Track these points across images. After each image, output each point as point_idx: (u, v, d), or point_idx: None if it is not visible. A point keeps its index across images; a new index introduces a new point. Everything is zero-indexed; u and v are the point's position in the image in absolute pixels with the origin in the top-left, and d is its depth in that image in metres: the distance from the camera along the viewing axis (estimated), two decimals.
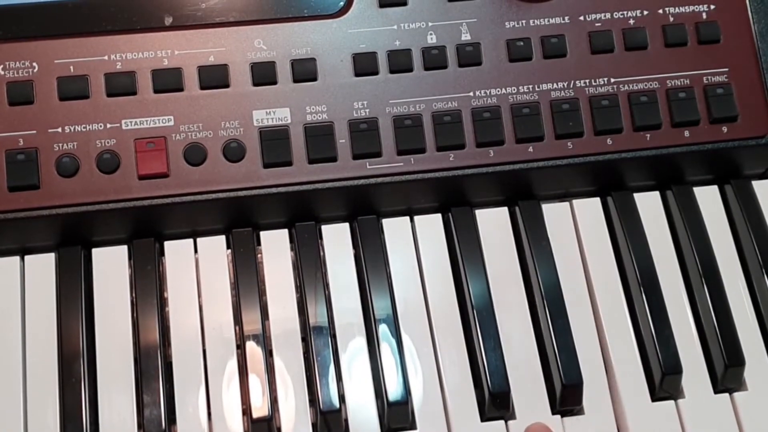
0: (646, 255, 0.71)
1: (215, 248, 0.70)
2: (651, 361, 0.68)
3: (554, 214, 0.73)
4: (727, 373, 0.67)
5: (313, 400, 0.66)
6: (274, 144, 0.69)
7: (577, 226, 0.73)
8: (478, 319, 0.68)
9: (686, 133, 0.71)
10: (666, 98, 0.71)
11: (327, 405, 0.65)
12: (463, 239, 0.71)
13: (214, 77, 0.69)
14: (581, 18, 0.72)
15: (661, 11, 0.73)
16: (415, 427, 0.66)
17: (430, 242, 0.72)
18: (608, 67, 0.72)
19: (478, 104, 0.71)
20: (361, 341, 0.68)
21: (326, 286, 0.69)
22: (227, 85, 0.69)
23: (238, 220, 0.70)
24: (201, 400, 0.66)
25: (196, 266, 0.70)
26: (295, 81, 0.70)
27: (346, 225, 0.72)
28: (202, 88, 0.69)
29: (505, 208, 0.73)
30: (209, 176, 0.68)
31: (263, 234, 0.71)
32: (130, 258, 0.70)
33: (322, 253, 0.71)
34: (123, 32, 0.69)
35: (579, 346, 0.68)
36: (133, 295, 0.68)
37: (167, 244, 0.70)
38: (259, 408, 0.65)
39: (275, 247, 0.71)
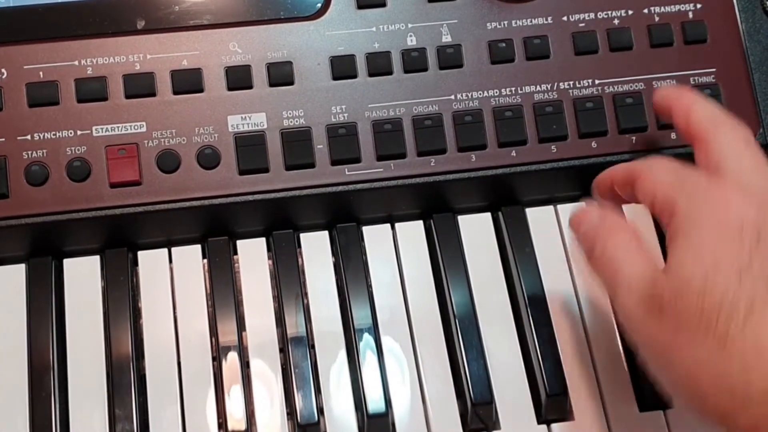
0: None
1: (190, 258, 0.69)
2: (639, 369, 0.66)
3: (538, 219, 0.71)
4: None
5: (291, 412, 0.64)
6: (250, 150, 0.67)
7: (561, 231, 0.71)
8: (460, 327, 0.67)
9: (673, 136, 0.70)
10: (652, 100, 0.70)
11: (305, 418, 0.63)
12: (445, 246, 0.70)
13: (188, 82, 0.67)
14: (564, 18, 0.71)
15: (646, 11, 0.71)
16: None
17: (412, 249, 0.70)
18: (592, 69, 0.70)
19: (460, 108, 0.69)
20: (340, 352, 0.66)
21: (305, 295, 0.68)
22: (201, 90, 0.68)
23: (214, 229, 0.69)
24: (176, 413, 0.64)
25: (171, 276, 0.68)
26: (272, 85, 0.68)
27: (325, 233, 0.70)
28: (176, 93, 0.67)
29: (488, 214, 0.71)
30: (183, 184, 0.66)
31: (240, 243, 0.70)
32: (102, 268, 0.68)
33: (300, 262, 0.69)
34: (94, 36, 0.68)
35: (565, 354, 0.66)
36: (106, 306, 0.67)
37: (141, 254, 0.69)
38: (236, 421, 0.63)
39: (252, 256, 0.69)
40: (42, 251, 0.67)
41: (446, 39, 0.70)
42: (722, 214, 0.52)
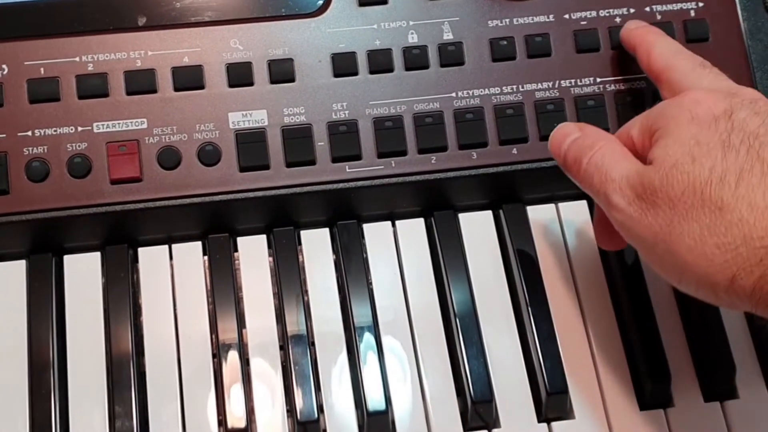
0: (633, 258, 0.69)
1: (191, 255, 0.69)
2: (639, 367, 0.66)
3: (539, 217, 0.71)
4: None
5: (291, 410, 0.64)
6: (251, 147, 0.67)
7: (563, 229, 0.71)
8: (460, 325, 0.67)
9: None
10: (653, 98, 0.70)
11: (305, 415, 0.63)
12: (446, 244, 0.69)
13: (189, 78, 0.67)
14: (566, 16, 0.71)
15: (648, 9, 0.71)
16: None
17: (412, 247, 0.70)
18: (594, 67, 0.70)
19: (461, 105, 0.69)
20: (340, 350, 0.66)
21: (305, 293, 0.68)
22: (202, 87, 0.68)
23: (215, 226, 0.69)
24: (175, 410, 0.64)
25: (171, 273, 0.68)
26: (273, 82, 0.68)
27: (326, 230, 0.70)
28: (177, 89, 0.67)
29: (489, 212, 0.71)
30: (184, 180, 0.66)
31: (240, 240, 0.69)
32: (103, 265, 0.68)
33: (301, 259, 0.69)
34: (95, 33, 0.67)
35: (566, 353, 0.66)
36: (106, 303, 0.66)
37: (141, 250, 0.69)
38: (236, 418, 0.63)
39: (253, 254, 0.69)
40: (42, 247, 0.67)
41: (448, 36, 0.70)
42: (694, 110, 0.55)
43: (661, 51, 0.64)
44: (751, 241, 0.49)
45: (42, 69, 0.67)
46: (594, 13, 0.71)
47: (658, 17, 0.71)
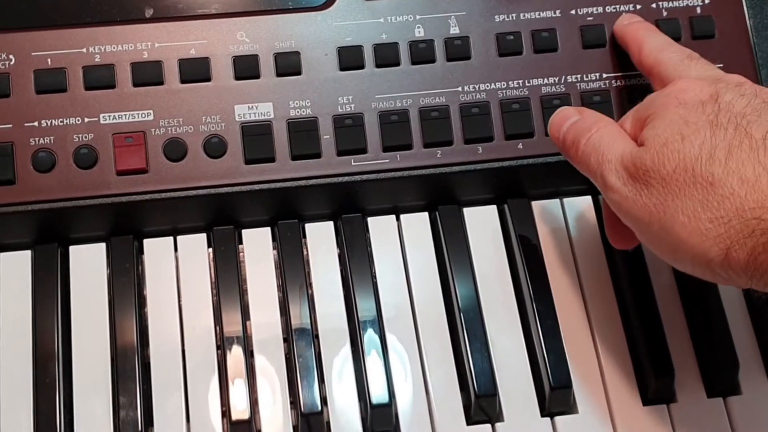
0: (637, 253, 0.69)
1: (196, 246, 0.69)
2: (643, 362, 0.66)
3: (544, 212, 0.71)
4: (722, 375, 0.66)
5: (294, 402, 0.64)
6: (257, 139, 0.67)
7: (567, 224, 0.71)
8: (464, 320, 0.67)
9: None
10: None
11: (309, 407, 0.63)
12: (450, 238, 0.69)
13: (196, 71, 0.67)
14: (573, 12, 0.71)
15: (654, 5, 0.71)
16: (399, 431, 0.64)
17: (417, 241, 0.70)
18: (600, 63, 0.70)
19: (467, 99, 0.69)
20: (344, 342, 0.66)
21: (309, 286, 0.68)
22: (209, 79, 0.68)
23: (220, 218, 0.69)
24: (179, 401, 0.64)
25: (176, 265, 0.68)
26: (279, 75, 0.68)
27: (331, 223, 0.70)
28: (183, 81, 0.67)
29: (494, 207, 0.71)
30: (189, 172, 0.66)
31: (245, 232, 0.70)
32: (108, 256, 0.68)
33: (305, 252, 0.69)
34: (102, 24, 0.68)
35: (570, 347, 0.66)
36: (111, 294, 0.67)
37: (146, 241, 0.69)
38: (239, 410, 0.63)
39: (257, 246, 0.69)
40: (48, 238, 0.67)
41: (454, 31, 0.70)
42: (681, 97, 0.56)
43: (651, 47, 0.65)
44: (743, 213, 0.50)
45: (49, 60, 0.67)
46: (600, 9, 0.71)
47: (664, 14, 0.71)
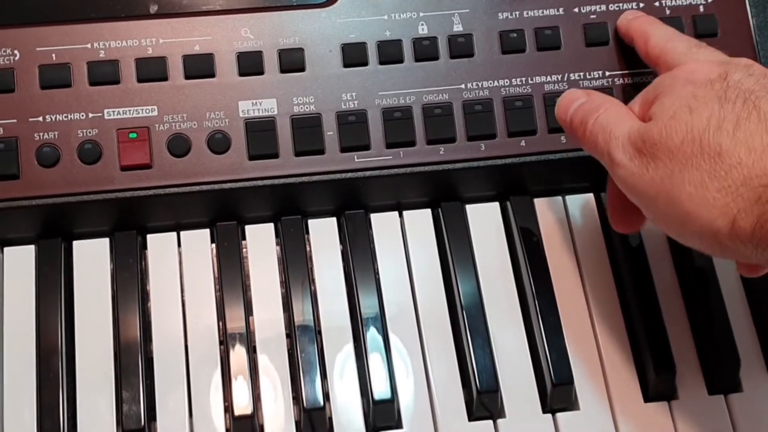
0: (639, 250, 0.69)
1: (199, 242, 0.69)
2: (644, 359, 0.67)
3: (546, 209, 0.71)
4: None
5: (296, 397, 0.64)
6: (260, 136, 0.67)
7: (569, 221, 0.71)
8: (467, 316, 0.67)
9: None
10: None
11: (311, 402, 0.64)
12: (453, 235, 0.70)
13: (200, 67, 0.68)
14: (576, 10, 0.71)
15: (657, 4, 0.71)
16: (401, 427, 0.65)
17: (420, 237, 0.70)
18: (603, 60, 0.70)
19: (470, 97, 0.69)
20: (347, 338, 0.66)
21: (312, 281, 0.68)
22: (213, 75, 0.68)
23: (223, 214, 0.69)
24: (182, 396, 0.64)
25: (180, 260, 0.68)
26: (283, 71, 0.68)
27: (334, 219, 0.71)
28: (187, 77, 0.67)
29: (497, 204, 0.72)
30: (193, 168, 0.67)
31: (248, 228, 0.70)
32: (111, 251, 0.68)
33: (308, 248, 0.69)
34: (107, 20, 0.68)
35: (572, 344, 0.67)
36: (114, 288, 0.67)
37: (150, 237, 0.69)
38: (242, 405, 0.63)
39: (260, 242, 0.69)
40: (52, 232, 0.68)
41: (458, 28, 0.70)
42: (690, 76, 0.57)
43: (658, 37, 0.65)
44: (750, 181, 0.50)
45: (54, 55, 0.67)
46: (603, 7, 0.71)
47: (667, 12, 0.71)
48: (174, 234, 0.69)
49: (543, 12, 0.71)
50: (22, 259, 0.67)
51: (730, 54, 0.69)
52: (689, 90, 0.55)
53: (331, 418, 0.64)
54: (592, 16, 0.71)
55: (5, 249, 0.68)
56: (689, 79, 0.56)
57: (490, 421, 0.65)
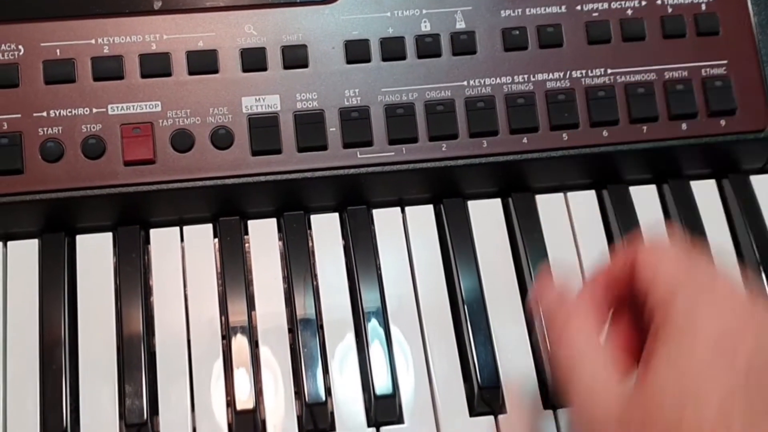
0: None
1: (202, 237, 0.69)
2: None
3: (548, 206, 0.72)
4: None
5: (298, 392, 0.65)
6: (263, 131, 0.68)
7: (571, 218, 0.71)
8: (468, 312, 0.67)
9: (683, 126, 0.70)
10: (663, 90, 0.70)
11: (313, 397, 0.64)
12: (455, 231, 0.70)
13: (203, 63, 0.68)
14: (578, 7, 0.71)
15: (659, 2, 0.72)
16: (402, 422, 0.65)
17: (422, 233, 0.70)
18: (605, 58, 0.71)
19: (472, 94, 0.69)
20: (349, 334, 0.67)
21: (314, 277, 0.68)
22: (216, 71, 0.68)
23: (226, 209, 0.69)
24: (184, 390, 0.64)
25: (182, 255, 0.69)
26: (286, 68, 0.69)
27: (336, 215, 0.71)
28: (191, 73, 0.68)
29: (498, 200, 0.72)
30: (196, 163, 0.67)
31: (251, 223, 0.70)
32: (114, 245, 0.68)
33: (310, 244, 0.69)
34: (111, 15, 0.68)
35: None
36: (117, 283, 0.67)
37: (153, 231, 0.69)
38: (244, 400, 0.64)
39: (263, 237, 0.69)
40: (55, 227, 0.68)
41: (460, 25, 0.70)
42: (719, 326, 0.46)
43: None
44: None
45: (58, 50, 0.67)
46: (606, 5, 0.71)
47: (669, 10, 0.71)
48: (177, 229, 0.69)
49: (545, 9, 0.71)
50: (25, 253, 0.67)
51: (732, 53, 0.70)
52: (700, 368, 0.46)
53: (332, 413, 0.65)
54: (595, 14, 0.71)
55: (9, 243, 0.68)
56: (715, 337, 0.46)
57: (492, 417, 0.65)
